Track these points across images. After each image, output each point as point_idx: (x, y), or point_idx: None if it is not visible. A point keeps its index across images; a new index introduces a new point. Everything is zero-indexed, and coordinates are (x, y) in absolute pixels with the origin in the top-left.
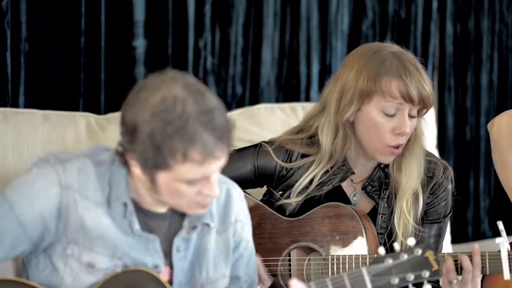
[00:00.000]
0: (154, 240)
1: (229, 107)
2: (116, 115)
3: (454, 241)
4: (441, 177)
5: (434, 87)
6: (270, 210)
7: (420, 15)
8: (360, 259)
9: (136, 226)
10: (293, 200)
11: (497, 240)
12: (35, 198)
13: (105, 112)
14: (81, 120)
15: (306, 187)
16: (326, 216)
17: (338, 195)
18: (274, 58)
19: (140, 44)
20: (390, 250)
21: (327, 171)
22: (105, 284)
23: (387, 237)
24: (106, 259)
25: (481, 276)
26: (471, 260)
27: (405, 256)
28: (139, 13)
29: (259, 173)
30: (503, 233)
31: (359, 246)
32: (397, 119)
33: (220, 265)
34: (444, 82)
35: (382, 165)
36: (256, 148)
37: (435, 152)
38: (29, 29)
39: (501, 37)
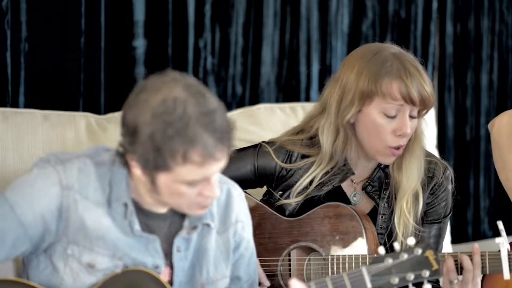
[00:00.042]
0: (155, 241)
1: (229, 107)
2: (116, 115)
3: (454, 241)
4: (441, 177)
5: (434, 87)
6: (270, 210)
7: (420, 15)
8: (360, 259)
9: (137, 226)
10: (293, 200)
11: (497, 240)
12: (36, 199)
13: (105, 112)
14: (81, 120)
15: (306, 188)
16: (326, 216)
17: (338, 195)
18: (274, 58)
19: (140, 44)
20: (390, 250)
21: (327, 172)
22: (105, 284)
23: (387, 237)
24: (106, 260)
25: (481, 276)
26: (471, 260)
27: (405, 256)
28: (139, 13)
29: (259, 173)
30: (503, 233)
31: (359, 246)
32: (398, 121)
33: (221, 265)
34: (444, 82)
35: (382, 165)
36: (256, 148)
37: (435, 152)
38: (29, 29)
39: (501, 37)
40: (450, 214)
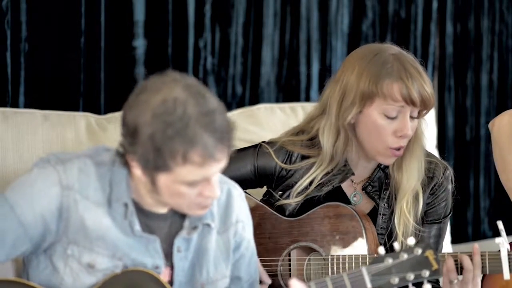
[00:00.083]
0: (155, 241)
1: (229, 107)
2: (116, 115)
3: (454, 241)
4: (441, 178)
5: (434, 87)
6: (270, 210)
7: (420, 15)
8: (360, 259)
9: (137, 226)
10: (293, 200)
11: (497, 240)
12: (36, 199)
13: (105, 112)
14: (81, 120)
15: (306, 188)
16: (326, 216)
17: (338, 195)
18: (274, 58)
19: (140, 44)
20: (390, 250)
21: (327, 173)
22: (105, 285)
23: (387, 238)
24: (106, 260)
25: (481, 276)
26: (471, 260)
27: (405, 256)
28: (139, 13)
29: (259, 173)
30: (503, 233)
31: (359, 246)
32: (399, 122)
33: (221, 265)
34: (444, 82)
35: (382, 166)
36: (256, 148)
37: (435, 152)
38: (29, 29)
39: (501, 37)
40: (450, 214)
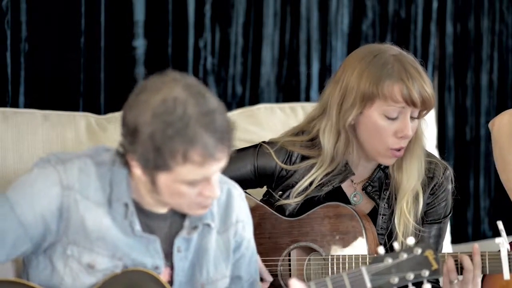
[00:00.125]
0: (155, 241)
1: (229, 107)
2: (116, 115)
3: (454, 241)
4: (441, 178)
5: (434, 87)
6: (270, 210)
7: (420, 15)
8: (360, 259)
9: (137, 226)
10: (293, 200)
11: (497, 240)
12: (36, 199)
13: (105, 112)
14: (81, 120)
15: (306, 188)
16: (326, 216)
17: (338, 195)
18: (274, 58)
19: (140, 44)
20: (390, 250)
21: (327, 173)
22: (105, 285)
23: (387, 238)
24: (106, 260)
25: (481, 276)
26: (471, 260)
27: (404, 256)
28: (139, 13)
29: (259, 173)
30: (503, 233)
31: (359, 246)
32: (399, 122)
33: (221, 265)
34: (444, 82)
35: (382, 166)
36: (256, 148)
37: (435, 152)
38: (29, 29)
39: (501, 37)
40: (450, 214)
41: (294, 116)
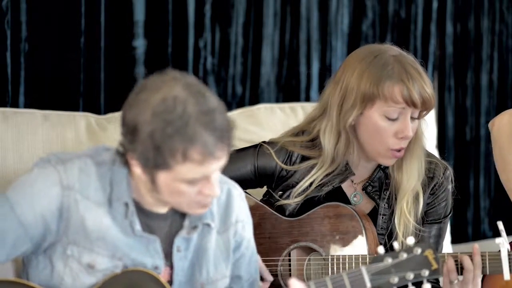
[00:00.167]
0: (155, 241)
1: (229, 107)
2: (116, 115)
3: (454, 241)
4: (441, 178)
5: (434, 87)
6: (270, 210)
7: (420, 15)
8: (360, 259)
9: (137, 226)
10: (293, 200)
11: (497, 240)
12: (36, 198)
13: (105, 112)
14: (81, 120)
15: (306, 189)
16: (326, 216)
17: (339, 195)
18: (274, 58)
19: (140, 44)
20: (390, 251)
21: (328, 174)
22: (105, 285)
23: (387, 238)
24: (106, 260)
25: (481, 276)
26: (471, 260)
27: (404, 255)
28: (139, 13)
29: (259, 173)
30: (503, 233)
31: (359, 246)
32: (400, 123)
33: (221, 265)
34: (444, 82)
35: (382, 166)
36: (256, 148)
37: (435, 152)
38: (29, 29)
39: (501, 37)
40: (450, 214)
41: (294, 116)
